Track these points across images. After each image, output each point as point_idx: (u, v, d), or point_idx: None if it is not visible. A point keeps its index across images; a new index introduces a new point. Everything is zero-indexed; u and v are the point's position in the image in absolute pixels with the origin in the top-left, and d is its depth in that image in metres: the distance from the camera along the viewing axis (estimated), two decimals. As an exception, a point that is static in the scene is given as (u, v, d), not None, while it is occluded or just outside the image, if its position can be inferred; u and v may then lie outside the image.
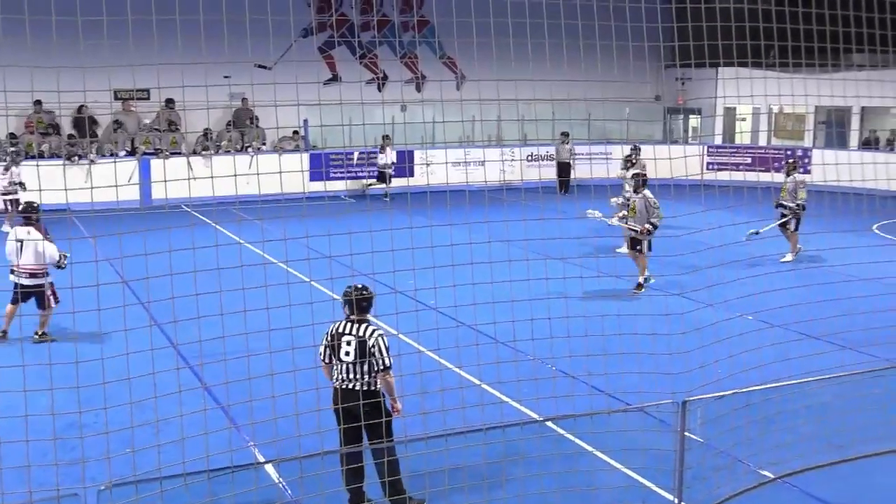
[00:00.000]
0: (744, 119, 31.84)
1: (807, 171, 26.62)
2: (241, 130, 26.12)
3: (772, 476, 8.02)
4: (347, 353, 7.36)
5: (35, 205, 12.22)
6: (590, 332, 9.18)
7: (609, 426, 8.13)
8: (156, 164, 23.87)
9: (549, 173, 28.40)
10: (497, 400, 9.45)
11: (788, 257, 17.07)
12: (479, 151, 26.83)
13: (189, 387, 8.77)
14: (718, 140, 30.37)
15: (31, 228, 11.88)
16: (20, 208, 12.52)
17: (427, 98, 26.96)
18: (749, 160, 28.97)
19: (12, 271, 11.98)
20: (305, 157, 25.74)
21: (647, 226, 14.58)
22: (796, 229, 17.15)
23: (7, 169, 19.99)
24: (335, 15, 27.67)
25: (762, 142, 30.74)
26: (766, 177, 24.92)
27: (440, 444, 7.13)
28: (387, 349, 7.37)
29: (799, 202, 16.99)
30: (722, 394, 7.81)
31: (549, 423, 8.40)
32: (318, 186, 24.77)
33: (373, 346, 7.32)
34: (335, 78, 26.99)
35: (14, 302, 12.03)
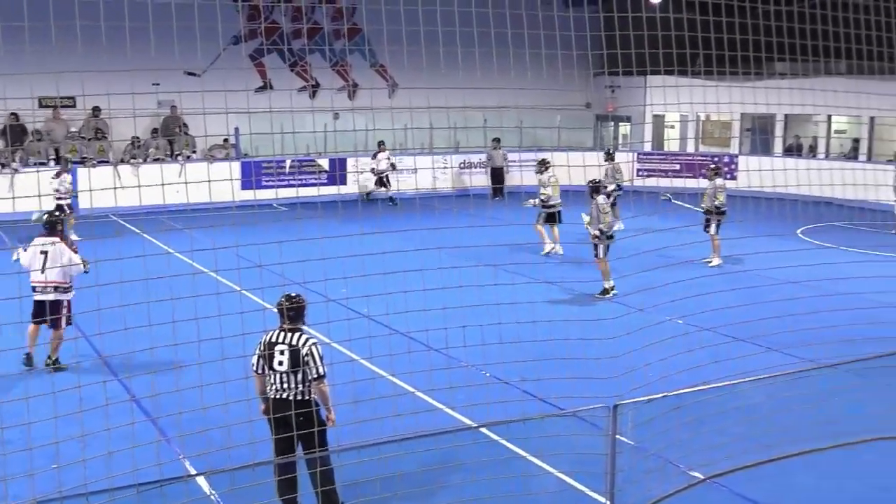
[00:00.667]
0: (672, 126, 32.39)
1: (733, 178, 27.23)
2: (170, 138, 25.76)
3: (702, 477, 8.14)
4: (281, 363, 7.29)
5: (59, 215, 11.46)
6: (522, 337, 9.23)
7: (542, 431, 8.19)
8: (82, 172, 23.42)
9: (481, 181, 28.63)
10: (431, 407, 9.46)
11: (715, 261, 17.36)
12: (411, 159, 26.85)
13: (116, 400, 8.61)
14: (648, 147, 30.84)
15: (56, 239, 10.93)
16: (45, 218, 11.31)
17: (358, 106, 26.93)
18: (678, 166, 29.47)
19: (34, 289, 10.99)
20: (236, 165, 25.49)
21: (594, 231, 14.78)
22: (716, 232, 17.44)
23: (58, 174, 20.06)
24: (265, 22, 27.46)
25: (690, 148, 31.31)
26: (693, 183, 25.35)
27: (374, 453, 7.10)
28: (321, 358, 7.32)
29: (717, 204, 17.30)
30: (653, 397, 7.91)
31: (483, 430, 8.42)
32: (249, 195, 24.54)
33: (306, 354, 7.27)
34: (266, 86, 26.79)
35: (36, 322, 11.11)
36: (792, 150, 28.96)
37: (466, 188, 28.59)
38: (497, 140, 27.36)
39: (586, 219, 15.08)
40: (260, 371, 7.42)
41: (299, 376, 7.25)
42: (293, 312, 7.42)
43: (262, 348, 7.39)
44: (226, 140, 26.01)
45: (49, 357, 11.11)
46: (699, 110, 28.65)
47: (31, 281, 10.97)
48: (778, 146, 28.83)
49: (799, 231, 20.80)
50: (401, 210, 21.53)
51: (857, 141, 27.97)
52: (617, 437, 7.28)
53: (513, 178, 27.57)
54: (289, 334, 7.36)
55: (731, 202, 17.79)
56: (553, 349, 9.28)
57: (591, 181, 15.41)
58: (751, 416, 8.90)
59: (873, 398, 9.54)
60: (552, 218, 18.43)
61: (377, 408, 8.01)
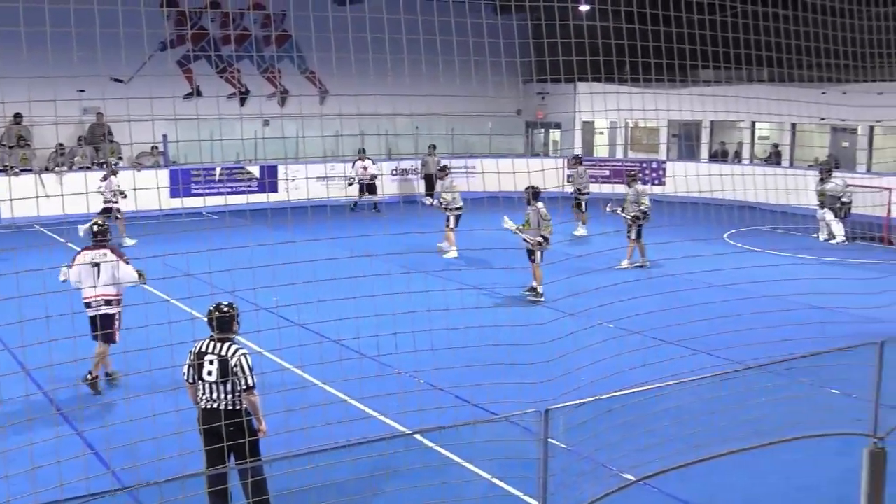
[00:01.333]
0: (601, 133, 32.77)
1: (661, 183, 27.67)
2: (96, 146, 25.27)
3: (633, 478, 8.22)
4: (210, 373, 7.21)
5: (106, 226, 10.83)
6: (454, 343, 9.25)
7: (475, 437, 8.19)
8: (3, 181, 22.83)
9: (413, 187, 28.68)
10: (363, 415, 9.41)
11: (624, 263, 17.49)
12: (342, 166, 26.77)
13: (41, 413, 8.41)
14: (578, 153, 31.14)
15: (107, 251, 10.41)
16: (93, 229, 10.75)
17: (287, 113, 26.75)
18: (607, 172, 29.82)
19: (88, 305, 10.29)
20: (164, 173, 25.11)
21: (538, 238, 14.83)
22: (638, 238, 17.64)
23: (106, 178, 19.95)
24: (193, 28, 27.11)
25: (619, 154, 31.72)
26: (621, 188, 25.70)
27: (306, 462, 7.04)
28: (250, 369, 7.25)
29: (643, 209, 17.52)
30: (584, 400, 7.97)
31: (416, 436, 8.41)
32: (178, 203, 24.20)
33: (235, 365, 7.19)
34: (194, 92, 26.44)
35: (96, 339, 10.35)
36: (717, 156, 29.54)
37: (397, 195, 28.60)
38: (433, 147, 27.45)
39: (509, 223, 15.03)
40: (191, 381, 7.33)
41: (229, 386, 7.18)
42: (222, 322, 7.33)
43: (191, 358, 7.30)
44: (154, 147, 25.62)
45: (89, 372, 10.25)
46: (627, 117, 29.05)
47: (83, 297, 10.31)
48: (704, 152, 29.37)
49: (725, 235, 21.21)
50: (331, 218, 21.47)
51: (776, 146, 28.62)
52: (549, 440, 7.32)
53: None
54: (218, 344, 7.28)
55: (659, 207, 18.07)
56: (485, 354, 9.31)
57: (530, 187, 15.35)
58: (680, 418, 9.02)
59: (797, 397, 9.75)
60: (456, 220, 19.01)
61: (309, 417, 7.94)
